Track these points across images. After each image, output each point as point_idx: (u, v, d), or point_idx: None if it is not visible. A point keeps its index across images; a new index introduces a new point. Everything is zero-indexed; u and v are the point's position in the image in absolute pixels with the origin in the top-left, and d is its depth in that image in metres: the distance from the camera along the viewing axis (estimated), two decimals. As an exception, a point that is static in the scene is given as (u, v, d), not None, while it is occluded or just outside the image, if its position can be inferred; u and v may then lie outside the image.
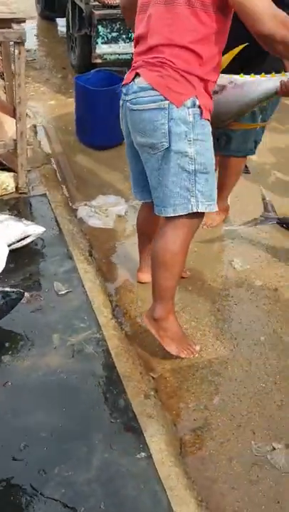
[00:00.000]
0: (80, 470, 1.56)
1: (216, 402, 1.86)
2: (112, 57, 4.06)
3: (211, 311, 2.25)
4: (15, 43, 2.45)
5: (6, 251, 2.12)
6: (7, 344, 1.95)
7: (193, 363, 2.00)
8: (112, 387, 1.83)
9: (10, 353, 1.92)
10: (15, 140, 2.74)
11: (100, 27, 3.88)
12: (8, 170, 2.92)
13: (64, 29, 5.28)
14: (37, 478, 1.53)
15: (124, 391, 1.82)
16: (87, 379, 1.84)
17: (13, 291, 1.94)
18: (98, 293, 2.28)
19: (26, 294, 2.08)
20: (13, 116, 2.67)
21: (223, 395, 1.88)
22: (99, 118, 3.33)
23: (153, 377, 1.93)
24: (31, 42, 5.50)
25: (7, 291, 1.92)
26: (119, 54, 4.04)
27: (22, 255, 2.38)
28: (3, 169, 2.92)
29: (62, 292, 2.23)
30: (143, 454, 1.62)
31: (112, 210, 2.93)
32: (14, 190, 2.88)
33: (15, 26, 2.49)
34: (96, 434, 1.67)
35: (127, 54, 3.95)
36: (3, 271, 2.15)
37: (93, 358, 1.93)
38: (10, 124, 2.84)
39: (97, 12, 3.85)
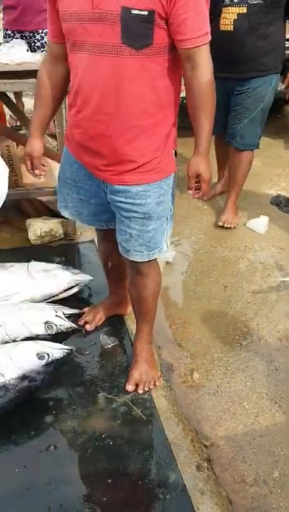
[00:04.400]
0: None
1: (277, 476, 1.68)
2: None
3: (268, 370, 2.08)
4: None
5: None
6: (51, 403, 1.85)
7: (250, 429, 1.83)
8: (161, 456, 1.68)
9: (54, 412, 1.82)
10: (64, 186, 2.72)
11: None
12: (57, 216, 2.90)
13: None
14: None
15: (174, 461, 1.67)
16: (135, 446, 1.71)
17: (64, 349, 1.84)
18: (146, 347, 2.16)
19: (73, 350, 1.99)
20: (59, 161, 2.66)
21: (285, 469, 1.70)
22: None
23: (205, 446, 1.78)
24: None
25: (57, 348, 1.83)
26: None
27: (67, 304, 2.30)
28: (52, 216, 2.91)
29: (109, 346, 2.13)
30: (195, 538, 1.46)
31: (160, 256, 2.83)
32: (63, 236, 2.85)
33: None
34: (143, 510, 1.52)
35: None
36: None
37: (140, 422, 1.80)
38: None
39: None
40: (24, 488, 1.58)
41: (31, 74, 2.51)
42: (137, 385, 1.93)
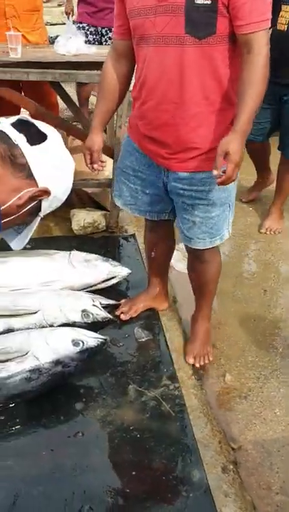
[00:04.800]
0: None
1: (304, 487, 1.64)
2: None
3: (302, 378, 2.03)
4: (119, 85, 2.47)
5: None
6: (82, 390, 1.87)
7: (280, 436, 1.79)
8: (187, 454, 1.67)
9: (84, 400, 1.83)
10: (110, 179, 2.75)
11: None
12: (101, 208, 2.93)
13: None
14: None
15: (200, 461, 1.65)
16: (162, 441, 1.71)
17: (99, 338, 1.86)
18: (179, 344, 2.15)
19: (108, 340, 2.01)
20: (111, 156, 2.68)
21: (313, 480, 1.65)
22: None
23: (233, 449, 1.75)
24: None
25: (92, 337, 1.85)
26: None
27: (104, 295, 2.32)
28: (96, 207, 2.94)
29: (142, 340, 2.13)
30: (216, 540, 1.44)
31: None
32: (105, 228, 2.88)
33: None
34: (167, 506, 1.52)
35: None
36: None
37: (169, 418, 1.79)
38: (107, 164, 2.86)
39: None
40: (50, 471, 1.60)
41: (87, 65, 2.56)
42: (194, 359, 2.06)
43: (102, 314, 2.05)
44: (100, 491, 1.55)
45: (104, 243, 2.80)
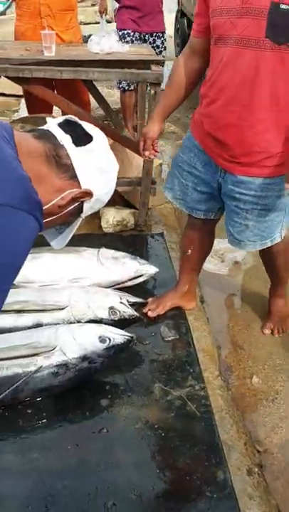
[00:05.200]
0: None
1: None
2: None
3: None
4: (151, 83, 2.48)
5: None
6: (107, 387, 1.88)
7: (307, 441, 1.76)
8: (212, 455, 1.66)
9: (109, 397, 1.84)
10: (140, 178, 2.75)
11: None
12: (130, 207, 2.94)
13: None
14: None
15: (225, 462, 1.64)
16: (186, 441, 1.70)
17: (125, 335, 1.87)
18: (206, 345, 2.14)
19: (134, 338, 2.01)
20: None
21: None
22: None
23: (258, 451, 1.73)
24: (166, 82, 5.65)
25: (119, 334, 1.86)
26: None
27: (132, 293, 2.32)
28: (125, 206, 2.95)
29: (169, 339, 2.13)
30: None
31: (228, 256, 2.81)
32: (134, 227, 2.88)
33: (153, 67, 2.53)
34: (189, 506, 1.51)
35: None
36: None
37: (194, 418, 1.78)
38: (138, 162, 2.88)
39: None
40: (75, 465, 1.61)
41: (119, 64, 2.57)
42: (272, 330, 2.25)
43: (129, 312, 2.05)
44: (123, 488, 1.55)
45: (133, 241, 2.80)
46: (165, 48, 3.90)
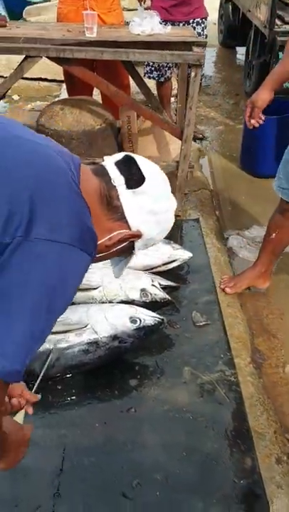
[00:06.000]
0: (191, 528, 1.40)
1: None
2: (289, 85, 3.88)
3: None
4: (192, 65, 2.43)
5: None
6: (137, 368, 1.88)
7: None
8: (240, 441, 1.63)
9: (138, 377, 1.84)
10: (177, 162, 2.72)
11: (281, 53, 3.73)
12: (166, 191, 2.91)
13: (243, 57, 5.25)
14: (144, 523, 1.41)
15: (253, 449, 1.61)
16: (215, 425, 1.68)
17: (156, 317, 1.86)
18: (238, 331, 2.10)
19: (165, 320, 2.00)
20: (180, 138, 2.65)
21: None
22: (266, 145, 3.18)
23: (288, 440, 1.69)
24: (209, 69, 5.58)
25: (149, 316, 1.86)
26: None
27: (164, 277, 2.30)
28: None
29: (200, 324, 2.10)
30: (265, 530, 1.40)
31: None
32: (169, 211, 2.85)
33: (195, 49, 2.48)
34: (215, 491, 1.49)
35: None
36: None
37: (224, 403, 1.76)
38: (175, 146, 2.84)
39: (280, 38, 3.72)
40: (101, 443, 1.62)
41: (160, 45, 2.53)
42: None
43: (161, 295, 2.04)
44: (149, 468, 1.55)
45: (168, 226, 2.77)
46: (206, 36, 3.77)
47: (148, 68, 3.70)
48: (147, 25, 2.59)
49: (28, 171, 0.91)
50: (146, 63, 3.70)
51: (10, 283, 0.86)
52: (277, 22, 3.83)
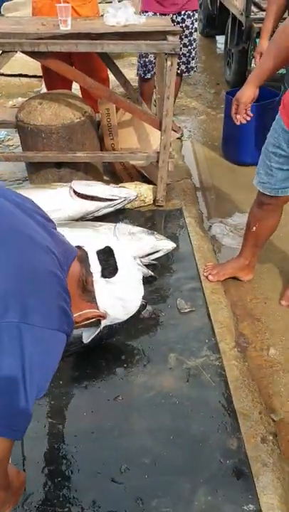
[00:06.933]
0: (180, 509, 1.43)
1: None
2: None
3: None
4: (168, 54, 2.44)
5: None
6: (123, 357, 1.90)
7: None
8: (226, 422, 1.66)
9: (125, 366, 1.86)
10: (158, 152, 2.73)
11: (258, 40, 3.74)
12: (149, 182, 2.93)
13: (223, 46, 5.26)
14: (134, 506, 1.43)
15: (238, 430, 1.64)
16: (200, 408, 1.70)
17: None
18: (223, 317, 2.13)
19: (149, 307, 2.02)
20: (159, 128, 2.66)
21: None
22: (248, 133, 3.19)
23: (273, 420, 1.73)
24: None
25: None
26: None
27: (149, 268, 2.33)
28: (144, 181, 2.94)
29: (185, 310, 2.13)
30: (251, 507, 1.43)
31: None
32: (152, 202, 2.87)
33: (170, 38, 2.49)
34: (202, 471, 1.52)
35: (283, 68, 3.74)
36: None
37: (209, 387, 1.78)
38: (156, 137, 2.85)
39: (257, 25, 3.73)
40: (89, 431, 1.64)
41: (136, 36, 2.53)
42: None
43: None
44: (137, 453, 1.57)
45: (151, 217, 2.80)
46: (196, 30, 3.70)
47: (138, 65, 3.71)
48: (122, 16, 2.58)
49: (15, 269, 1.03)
50: (138, 60, 3.70)
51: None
52: (254, 9, 3.84)
